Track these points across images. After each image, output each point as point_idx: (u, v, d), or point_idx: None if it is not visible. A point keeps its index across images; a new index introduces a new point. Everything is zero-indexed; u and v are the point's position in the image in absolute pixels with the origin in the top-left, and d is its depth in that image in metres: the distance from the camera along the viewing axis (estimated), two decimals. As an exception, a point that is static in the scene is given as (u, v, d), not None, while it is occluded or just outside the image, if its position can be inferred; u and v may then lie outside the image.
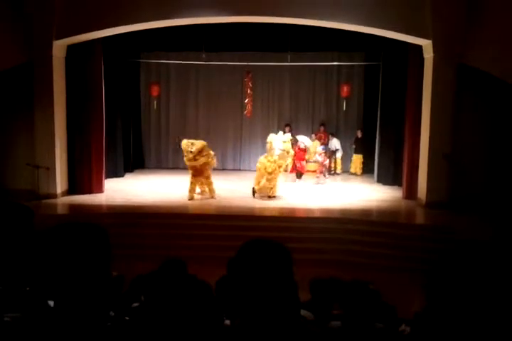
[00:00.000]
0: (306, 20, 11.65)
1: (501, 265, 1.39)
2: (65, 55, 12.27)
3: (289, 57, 14.52)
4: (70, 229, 1.57)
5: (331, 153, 16.17)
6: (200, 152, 11.89)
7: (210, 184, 12.46)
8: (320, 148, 15.08)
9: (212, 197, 12.36)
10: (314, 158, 15.09)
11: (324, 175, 14.96)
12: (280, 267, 1.57)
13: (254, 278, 1.55)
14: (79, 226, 1.59)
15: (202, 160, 11.95)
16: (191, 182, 12.20)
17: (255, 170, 16.50)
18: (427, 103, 11.68)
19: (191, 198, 12.14)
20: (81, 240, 1.53)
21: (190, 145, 11.87)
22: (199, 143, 12.01)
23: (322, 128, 16.43)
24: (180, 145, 12.33)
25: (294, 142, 14.17)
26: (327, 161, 15.32)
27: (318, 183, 14.54)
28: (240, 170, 16.70)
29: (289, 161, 13.79)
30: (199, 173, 12.13)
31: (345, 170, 16.46)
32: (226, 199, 12.53)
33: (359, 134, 16.01)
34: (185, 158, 12.01)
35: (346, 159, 16.51)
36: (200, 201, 12.13)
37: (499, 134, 11.67)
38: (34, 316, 1.49)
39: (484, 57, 10.90)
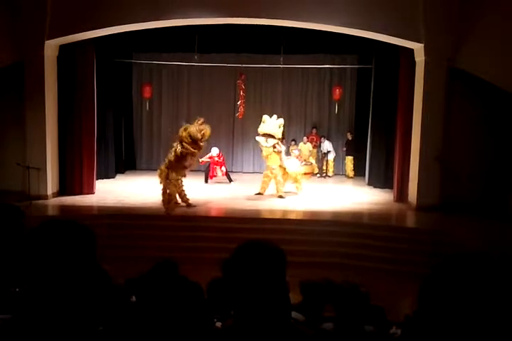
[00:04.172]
0: (298, 23, 11.68)
1: (500, 275, 1.39)
2: (57, 55, 12.22)
3: (281, 59, 14.55)
4: (52, 227, 1.55)
5: (323, 156, 16.23)
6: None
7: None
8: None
9: (190, 205, 11.72)
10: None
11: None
12: (275, 269, 1.57)
13: (249, 279, 1.55)
14: (62, 224, 1.57)
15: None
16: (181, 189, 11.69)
17: (247, 172, 16.62)
18: (419, 106, 11.74)
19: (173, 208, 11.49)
20: (65, 237, 1.51)
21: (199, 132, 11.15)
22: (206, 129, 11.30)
23: (314, 131, 16.50)
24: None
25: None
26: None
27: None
28: (231, 171, 16.67)
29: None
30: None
31: (337, 173, 16.51)
32: (218, 200, 12.53)
33: (349, 136, 16.08)
34: (195, 151, 11.27)
35: (338, 161, 16.56)
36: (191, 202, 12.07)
37: (490, 137, 11.75)
38: (24, 318, 1.48)
39: (475, 61, 10.98)
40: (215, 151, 14.77)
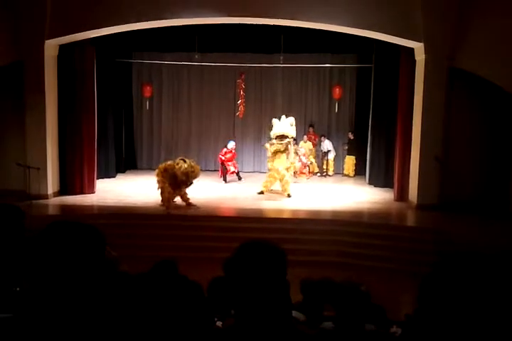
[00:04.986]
0: (298, 22, 11.68)
1: (498, 274, 1.40)
2: (57, 55, 12.22)
3: (281, 58, 14.55)
4: (62, 228, 1.56)
5: (323, 155, 16.23)
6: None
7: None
8: (302, 149, 15.24)
9: (190, 205, 11.75)
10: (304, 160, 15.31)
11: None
12: (275, 268, 1.57)
13: (250, 278, 1.55)
14: (72, 226, 1.58)
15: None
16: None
17: (247, 171, 16.61)
18: (419, 105, 11.74)
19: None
20: (74, 239, 1.52)
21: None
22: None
23: (311, 130, 16.49)
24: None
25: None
26: (312, 160, 15.69)
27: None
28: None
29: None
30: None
31: (338, 172, 16.51)
32: (219, 200, 12.53)
33: (351, 136, 16.07)
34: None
35: (338, 161, 16.56)
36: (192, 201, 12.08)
37: (491, 136, 11.75)
38: (25, 317, 1.48)
39: (475, 60, 10.98)
40: (231, 145, 14.76)
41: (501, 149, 11.65)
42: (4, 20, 11.30)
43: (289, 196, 12.68)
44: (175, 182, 11.20)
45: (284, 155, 12.58)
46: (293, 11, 11.35)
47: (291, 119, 12.72)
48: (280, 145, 12.47)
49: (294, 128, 12.76)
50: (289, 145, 12.61)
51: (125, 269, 4.44)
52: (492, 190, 11.58)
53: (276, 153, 12.58)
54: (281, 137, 12.45)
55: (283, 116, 12.86)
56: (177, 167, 11.12)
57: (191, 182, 11.44)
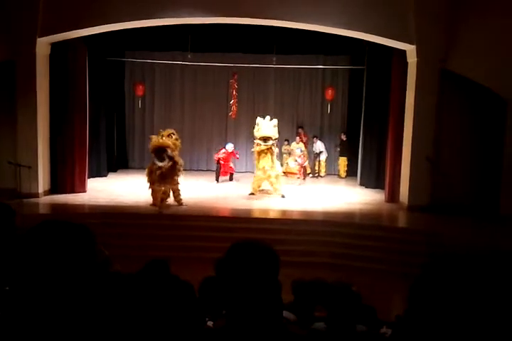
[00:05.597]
0: (291, 23, 11.70)
1: (488, 276, 1.41)
2: (48, 53, 12.16)
3: (274, 59, 14.57)
4: (53, 227, 1.55)
5: (315, 156, 16.25)
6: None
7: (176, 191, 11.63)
8: (298, 150, 15.27)
9: (181, 205, 11.67)
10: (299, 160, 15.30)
11: (304, 177, 15.24)
12: (267, 269, 1.57)
13: (241, 278, 1.55)
14: (62, 225, 1.57)
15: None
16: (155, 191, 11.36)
17: (240, 171, 16.62)
18: (410, 107, 11.79)
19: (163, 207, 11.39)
20: (64, 238, 1.51)
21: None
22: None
23: (300, 131, 16.49)
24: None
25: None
26: (306, 163, 15.55)
27: (300, 184, 14.67)
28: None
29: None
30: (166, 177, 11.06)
31: (329, 173, 16.54)
32: (211, 200, 12.52)
33: (343, 137, 16.11)
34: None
35: (330, 162, 16.59)
36: (183, 201, 12.06)
37: (481, 139, 11.80)
38: (14, 316, 1.47)
39: (467, 63, 11.05)
40: (229, 146, 14.87)
41: (492, 151, 11.70)
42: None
43: (282, 196, 12.71)
44: (158, 155, 11.08)
45: (269, 155, 12.62)
46: (286, 11, 11.36)
47: (275, 121, 12.73)
48: (264, 147, 12.54)
49: (277, 129, 12.79)
50: (272, 147, 12.67)
51: (117, 269, 4.43)
52: (483, 192, 11.63)
53: (260, 153, 12.63)
54: (266, 139, 12.49)
55: (267, 117, 12.87)
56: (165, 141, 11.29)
57: (180, 164, 11.40)
